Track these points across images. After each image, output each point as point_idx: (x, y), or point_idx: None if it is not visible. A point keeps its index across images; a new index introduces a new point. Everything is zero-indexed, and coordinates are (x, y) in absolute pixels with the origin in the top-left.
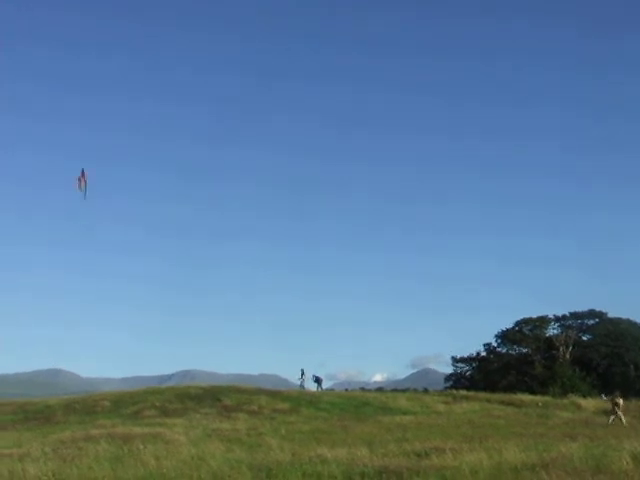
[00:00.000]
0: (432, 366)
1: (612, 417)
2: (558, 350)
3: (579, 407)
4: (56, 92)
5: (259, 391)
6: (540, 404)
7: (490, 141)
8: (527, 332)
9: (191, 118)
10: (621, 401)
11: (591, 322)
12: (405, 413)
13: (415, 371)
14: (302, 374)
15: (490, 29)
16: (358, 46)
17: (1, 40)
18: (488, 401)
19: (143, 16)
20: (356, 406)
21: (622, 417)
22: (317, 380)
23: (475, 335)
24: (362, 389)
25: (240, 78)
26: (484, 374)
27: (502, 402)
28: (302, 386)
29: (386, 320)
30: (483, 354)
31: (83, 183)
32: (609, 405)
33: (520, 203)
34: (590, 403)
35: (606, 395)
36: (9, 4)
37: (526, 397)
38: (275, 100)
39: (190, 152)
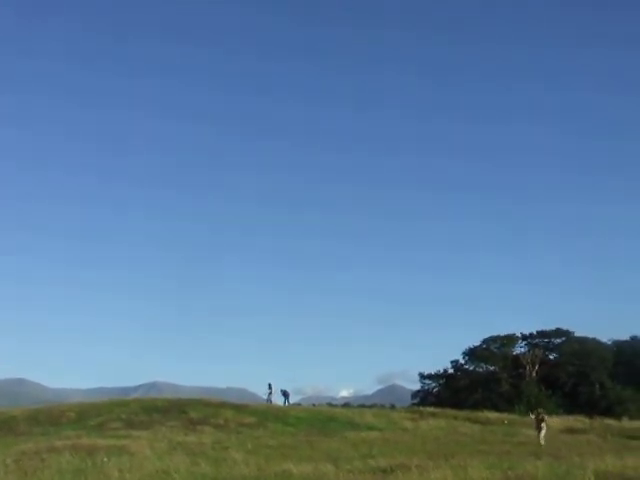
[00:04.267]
0: (399, 382)
1: (542, 434)
2: (525, 368)
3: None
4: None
5: (225, 404)
6: (506, 422)
7: (455, 158)
8: (494, 350)
9: (189, 126)
10: (546, 417)
11: (558, 341)
12: (371, 429)
13: (382, 387)
14: (270, 388)
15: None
16: (357, 64)
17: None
18: (455, 418)
19: (142, 26)
20: (323, 421)
21: (542, 434)
22: (285, 394)
23: (442, 352)
24: (329, 404)
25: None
26: (451, 391)
27: (468, 419)
28: (269, 400)
29: (353, 336)
30: (450, 371)
31: None
32: (534, 422)
33: (487, 218)
34: (555, 421)
35: (531, 412)
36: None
37: (492, 415)
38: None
39: (176, 166)
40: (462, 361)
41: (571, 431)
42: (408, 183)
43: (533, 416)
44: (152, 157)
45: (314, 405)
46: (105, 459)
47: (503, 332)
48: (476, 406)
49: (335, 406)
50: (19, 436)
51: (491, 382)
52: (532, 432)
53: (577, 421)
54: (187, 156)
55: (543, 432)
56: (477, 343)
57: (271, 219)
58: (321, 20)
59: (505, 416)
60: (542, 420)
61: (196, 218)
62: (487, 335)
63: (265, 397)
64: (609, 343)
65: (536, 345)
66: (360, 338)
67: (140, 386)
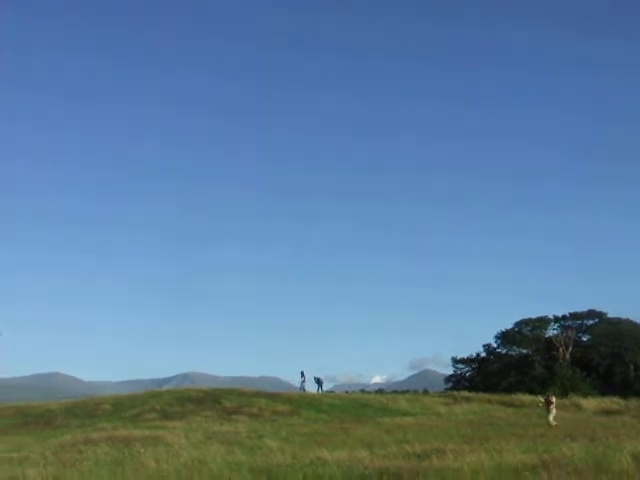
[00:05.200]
0: (431, 367)
1: (551, 416)
2: (558, 351)
3: (580, 407)
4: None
5: (259, 393)
6: (540, 405)
7: (489, 143)
8: (527, 333)
9: (188, 121)
10: (554, 399)
11: (591, 322)
12: (405, 415)
13: (415, 373)
14: (302, 376)
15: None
16: (356, 51)
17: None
18: (488, 402)
19: (140, 19)
20: (356, 408)
21: (551, 416)
22: (318, 382)
23: (474, 336)
24: (362, 391)
25: (239, 83)
26: (484, 375)
27: (502, 403)
28: (302, 388)
29: (385, 322)
30: (483, 355)
31: None
32: (545, 404)
33: (520, 204)
34: (591, 403)
35: (542, 394)
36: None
37: (526, 398)
38: (274, 105)
39: (189, 155)
40: (495, 345)
41: (606, 413)
42: (445, 168)
43: (542, 399)
44: (166, 149)
45: (347, 392)
46: (141, 449)
47: (535, 315)
48: (509, 389)
49: (368, 393)
50: (56, 429)
51: (524, 365)
52: (567, 415)
53: (612, 402)
54: (190, 149)
55: (552, 414)
56: (509, 326)
57: (295, 207)
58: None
59: (539, 399)
60: (550, 402)
61: (224, 209)
62: (519, 318)
63: (298, 385)
64: None
65: (569, 327)
66: (392, 325)
67: (173, 377)
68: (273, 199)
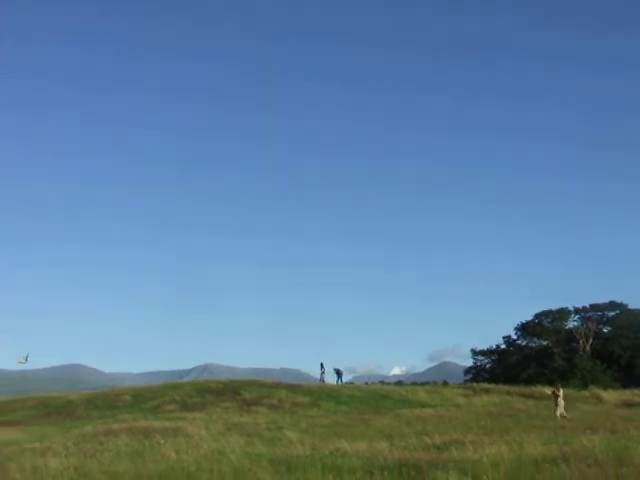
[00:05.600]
0: (450, 359)
1: (559, 408)
2: (578, 342)
3: (600, 399)
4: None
5: (279, 385)
6: (549, 395)
7: (510, 137)
8: (547, 324)
9: (190, 110)
10: (561, 392)
11: (611, 314)
12: (425, 406)
13: (434, 364)
14: (322, 368)
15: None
16: (358, 41)
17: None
18: (508, 394)
19: (140, 6)
20: (376, 399)
21: (559, 408)
22: (338, 373)
23: (493, 328)
24: (381, 382)
25: (240, 70)
26: (504, 367)
27: (522, 395)
28: (322, 380)
29: (404, 313)
30: (503, 347)
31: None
32: (552, 396)
33: (539, 198)
34: (612, 395)
35: (550, 388)
36: None
37: (546, 390)
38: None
39: (194, 143)
40: (514, 336)
41: (627, 405)
42: (462, 159)
43: (549, 391)
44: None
45: (367, 383)
46: (162, 441)
47: (555, 306)
48: (529, 381)
49: (388, 384)
50: (77, 419)
51: (544, 357)
52: (588, 407)
53: (633, 395)
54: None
55: (561, 406)
56: (529, 318)
57: (310, 196)
58: None
59: (546, 390)
60: (557, 396)
61: (239, 199)
62: (539, 310)
63: (318, 377)
64: None
65: (589, 318)
66: (411, 316)
67: (193, 369)
68: (287, 187)
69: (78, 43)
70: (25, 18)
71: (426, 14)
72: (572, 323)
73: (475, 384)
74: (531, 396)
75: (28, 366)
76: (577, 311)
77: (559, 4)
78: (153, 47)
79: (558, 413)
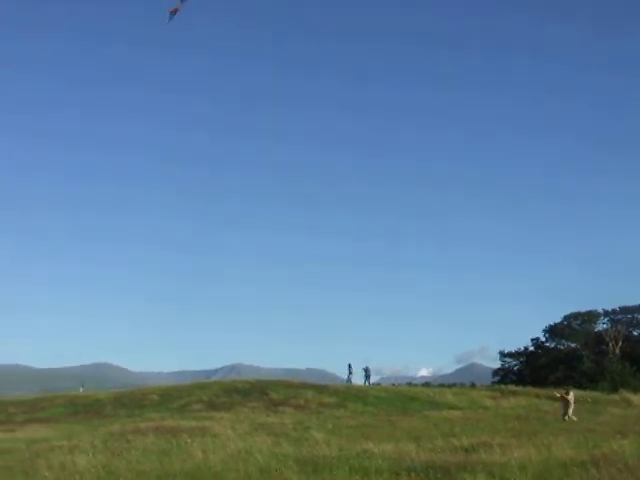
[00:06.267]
0: (478, 361)
1: (570, 411)
2: (608, 345)
3: (630, 403)
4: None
5: (306, 385)
6: (589, 400)
7: (540, 136)
8: (576, 327)
9: (195, 107)
10: (571, 395)
11: None
12: (452, 408)
13: (461, 366)
14: (349, 369)
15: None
16: (359, 37)
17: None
18: (536, 396)
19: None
20: (403, 401)
21: (569, 411)
22: (366, 371)
23: (521, 330)
24: (409, 384)
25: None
26: (532, 369)
27: (550, 397)
28: (349, 381)
29: (431, 315)
30: (531, 349)
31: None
32: (562, 399)
33: (569, 199)
34: None
35: (560, 390)
36: None
37: (575, 393)
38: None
39: (211, 144)
40: (543, 339)
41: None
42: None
43: (559, 395)
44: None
45: (394, 385)
46: (188, 440)
47: (584, 308)
48: (558, 384)
49: (415, 385)
50: (105, 418)
51: (573, 359)
52: (617, 410)
53: None
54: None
55: (571, 409)
56: (558, 320)
57: (348, 195)
58: None
59: (588, 394)
60: (565, 398)
61: (270, 198)
62: (568, 312)
63: (345, 377)
64: None
65: (619, 321)
66: (438, 317)
67: (220, 369)
68: (317, 187)
69: (79, 40)
70: (25, 14)
71: (432, 12)
72: (601, 326)
73: (503, 386)
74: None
75: (58, 364)
76: (607, 313)
77: (561, 3)
78: (153, 46)
79: (566, 416)
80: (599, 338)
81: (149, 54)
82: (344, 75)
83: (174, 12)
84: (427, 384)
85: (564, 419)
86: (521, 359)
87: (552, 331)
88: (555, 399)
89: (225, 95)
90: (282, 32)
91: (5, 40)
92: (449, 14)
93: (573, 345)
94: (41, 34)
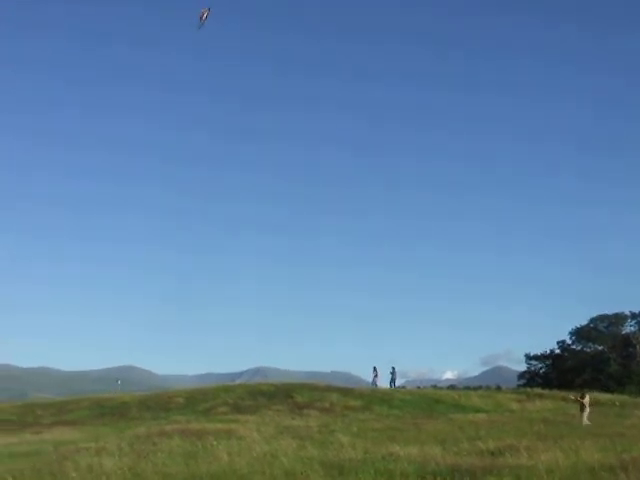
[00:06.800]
0: (504, 363)
1: (585, 414)
2: (635, 348)
3: None
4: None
5: (331, 388)
6: (617, 403)
7: (572, 144)
8: (602, 329)
9: (195, 107)
10: (587, 398)
11: None
12: (478, 411)
13: (487, 368)
14: (375, 371)
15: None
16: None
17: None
18: (563, 399)
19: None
20: (428, 404)
21: (585, 414)
22: (393, 372)
23: (547, 332)
24: (434, 387)
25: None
26: (558, 372)
27: (577, 401)
28: (375, 384)
29: (456, 317)
30: (557, 351)
31: (205, 16)
32: (578, 402)
33: (595, 202)
34: None
35: (577, 394)
36: None
37: (602, 396)
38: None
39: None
40: (569, 341)
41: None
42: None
43: (573, 397)
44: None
45: (419, 387)
46: (214, 443)
47: (611, 311)
48: (584, 387)
49: (440, 388)
50: (131, 421)
51: (600, 362)
52: None
53: None
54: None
55: (586, 412)
56: (584, 322)
57: (364, 199)
58: None
59: (616, 397)
60: (582, 402)
61: (301, 202)
62: (594, 314)
63: (370, 380)
64: None
65: None
66: (463, 320)
67: (245, 371)
68: (344, 193)
69: (79, 40)
70: (26, 13)
71: (433, 12)
72: (629, 328)
73: (529, 389)
74: None
75: (85, 367)
76: (634, 316)
77: (564, 4)
78: (153, 46)
79: (583, 421)
80: (626, 341)
81: (149, 54)
82: (345, 75)
83: (204, 17)
84: (452, 387)
85: (582, 423)
86: (547, 362)
87: (578, 334)
88: (571, 402)
89: (225, 95)
90: (282, 32)
91: (5, 40)
92: (450, 15)
93: (600, 348)
94: (41, 34)
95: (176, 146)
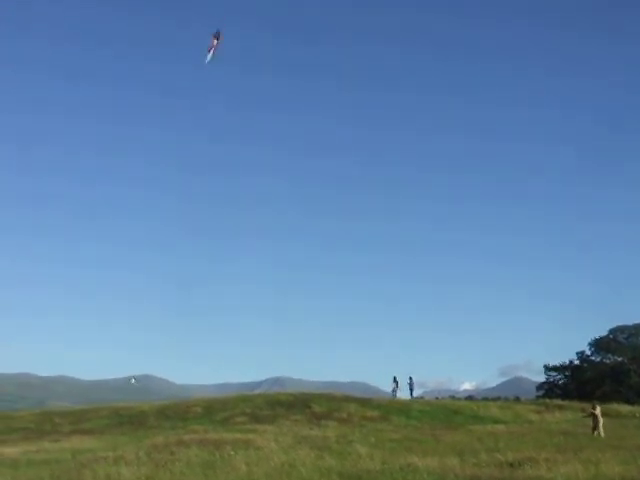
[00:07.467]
0: (522, 374)
1: (599, 426)
2: None
3: None
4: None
5: (349, 398)
6: (638, 415)
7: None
8: (622, 340)
9: (195, 111)
10: (598, 409)
11: None
12: (496, 422)
13: (505, 379)
14: (395, 382)
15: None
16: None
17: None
18: (582, 411)
19: (145, 10)
20: (447, 414)
21: (599, 426)
22: (411, 381)
23: (566, 343)
24: (452, 397)
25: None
26: (577, 383)
27: (590, 414)
28: (395, 394)
29: (474, 327)
30: (576, 363)
31: (214, 46)
32: (589, 414)
33: (614, 212)
34: None
35: (587, 408)
36: None
37: (623, 408)
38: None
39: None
40: (588, 352)
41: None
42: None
43: (583, 414)
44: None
45: (437, 398)
46: (232, 452)
47: (631, 322)
48: (604, 399)
49: (458, 399)
50: (149, 429)
51: (619, 374)
52: None
53: None
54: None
55: (600, 424)
56: (604, 333)
57: (389, 206)
58: None
59: (637, 409)
60: (592, 414)
61: (317, 210)
62: (614, 325)
63: (389, 390)
64: None
65: None
66: (482, 330)
67: (264, 381)
68: (363, 198)
69: (79, 40)
70: (24, 14)
71: (433, 15)
72: None
73: (548, 400)
74: (606, 414)
75: (103, 376)
76: None
77: (565, 7)
78: (153, 47)
79: (596, 432)
80: None
81: (149, 55)
82: (346, 76)
83: (214, 48)
84: (470, 398)
85: (594, 434)
86: (566, 373)
87: (598, 345)
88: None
89: (225, 96)
90: (283, 36)
91: (5, 40)
92: (450, 17)
93: (619, 359)
94: (41, 34)
95: (186, 153)
